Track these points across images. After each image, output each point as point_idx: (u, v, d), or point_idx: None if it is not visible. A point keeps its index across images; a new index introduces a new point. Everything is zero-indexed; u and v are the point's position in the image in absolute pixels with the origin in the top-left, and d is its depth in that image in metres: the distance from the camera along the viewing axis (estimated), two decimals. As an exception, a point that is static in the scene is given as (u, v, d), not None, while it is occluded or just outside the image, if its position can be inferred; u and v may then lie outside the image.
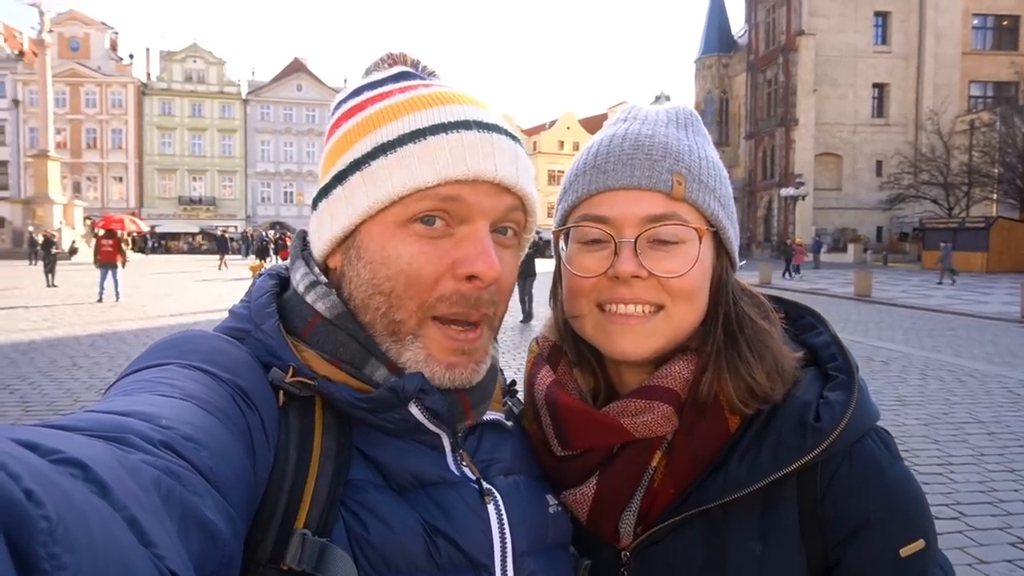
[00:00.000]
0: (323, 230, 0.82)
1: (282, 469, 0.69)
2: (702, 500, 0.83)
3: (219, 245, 39.67)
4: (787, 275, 31.74)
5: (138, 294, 20.49)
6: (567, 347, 0.98)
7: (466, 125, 0.77)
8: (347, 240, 0.80)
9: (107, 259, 18.47)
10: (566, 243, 0.94)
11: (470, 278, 0.75)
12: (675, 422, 0.86)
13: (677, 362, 0.88)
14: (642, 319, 0.86)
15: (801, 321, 0.97)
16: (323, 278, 0.81)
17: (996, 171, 37.72)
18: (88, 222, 44.55)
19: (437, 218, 0.76)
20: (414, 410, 0.75)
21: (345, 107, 0.84)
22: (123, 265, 19.16)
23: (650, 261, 0.85)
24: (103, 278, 18.39)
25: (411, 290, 0.75)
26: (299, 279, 0.82)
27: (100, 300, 18.00)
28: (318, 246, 0.83)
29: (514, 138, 0.82)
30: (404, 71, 0.85)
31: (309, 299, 0.80)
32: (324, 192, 0.82)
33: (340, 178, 0.79)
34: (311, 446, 0.72)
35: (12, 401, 7.73)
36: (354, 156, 0.78)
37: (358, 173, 0.77)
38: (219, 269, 34.72)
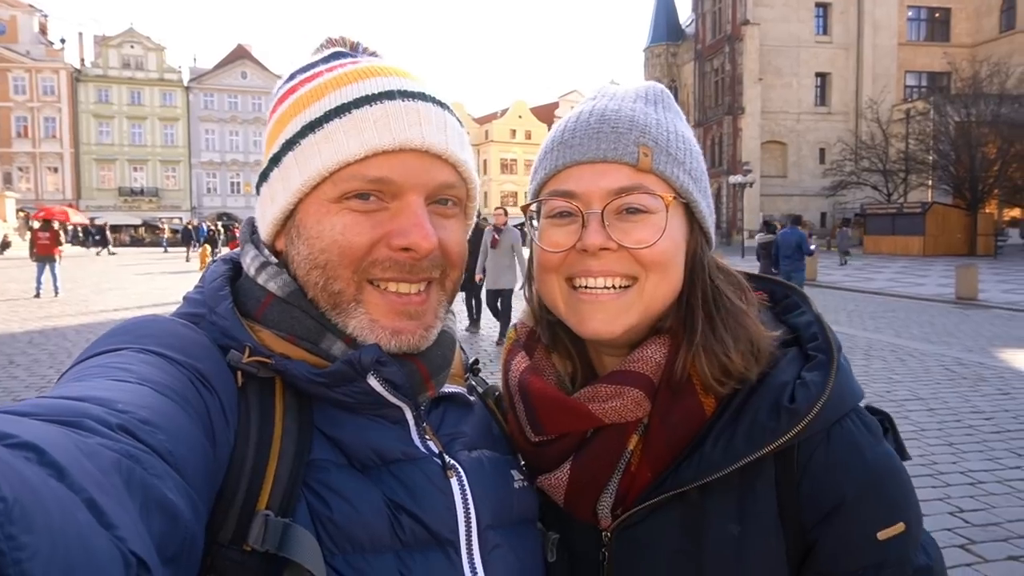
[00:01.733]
0: (266, 213, 0.83)
1: (243, 451, 0.69)
2: (678, 482, 0.83)
3: (184, 236, 38.43)
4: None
5: (79, 288, 19.70)
6: (541, 331, 0.98)
7: (390, 95, 0.78)
8: (288, 221, 0.81)
9: (44, 252, 17.66)
10: (537, 221, 0.94)
11: (405, 249, 0.76)
12: (646, 407, 0.86)
13: (650, 345, 0.88)
14: (613, 296, 0.85)
15: (786, 301, 0.97)
16: (273, 259, 0.82)
17: (931, 158, 39.17)
18: (22, 214, 42.62)
19: (371, 195, 0.77)
20: (373, 382, 0.75)
21: (281, 92, 0.85)
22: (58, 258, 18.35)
23: (618, 233, 0.84)
24: (40, 272, 17.61)
25: (344, 259, 0.76)
26: (249, 262, 0.82)
27: (38, 295, 17.25)
28: (263, 229, 0.84)
29: (443, 105, 0.82)
30: (337, 52, 0.86)
31: (261, 280, 0.80)
32: (264, 176, 0.83)
33: (276, 160, 0.80)
34: (272, 428, 0.71)
35: (-55, 403, 7.38)
36: (286, 137, 0.79)
37: (291, 153, 0.78)
38: (187, 260, 33.84)
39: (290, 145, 0.79)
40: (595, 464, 0.88)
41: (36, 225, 19.36)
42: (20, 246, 36.67)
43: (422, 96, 0.80)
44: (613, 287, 0.86)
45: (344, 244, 0.76)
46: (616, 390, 0.85)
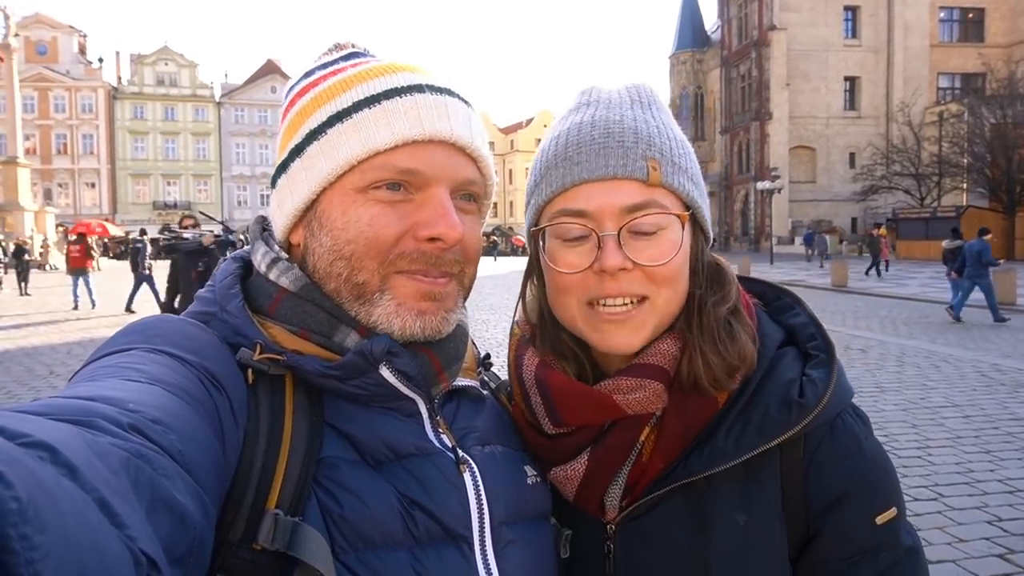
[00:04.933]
0: (284, 204, 0.82)
1: (252, 450, 0.68)
2: (688, 472, 0.85)
3: (221, 247, 38.18)
4: (875, 272, 26.43)
5: (115, 300, 20.17)
6: (541, 339, 0.96)
7: (419, 88, 0.79)
8: (309, 212, 0.80)
9: (77, 265, 18.12)
10: (543, 240, 0.91)
11: (432, 240, 0.76)
12: (665, 399, 0.87)
13: (664, 340, 0.89)
14: (631, 312, 0.86)
15: (778, 302, 1.00)
16: (284, 255, 0.82)
17: (965, 161, 38.35)
18: (61, 229, 43.79)
19: (398, 185, 0.77)
20: (385, 373, 0.75)
21: (298, 88, 0.85)
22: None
23: (634, 251, 0.84)
24: (76, 285, 18.04)
25: (371, 251, 0.76)
26: (260, 258, 0.82)
27: (76, 307, 17.70)
28: (280, 222, 0.83)
29: (467, 103, 0.83)
30: (354, 51, 0.87)
31: (272, 276, 0.80)
32: (283, 168, 0.83)
33: (298, 150, 0.80)
34: (282, 426, 0.71)
35: (-11, 411, 7.62)
36: (310, 127, 0.79)
37: (315, 143, 0.78)
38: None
39: (315, 135, 0.78)
40: (611, 455, 0.89)
41: (71, 239, 19.87)
42: (59, 259, 37.68)
43: (448, 91, 0.81)
44: (631, 303, 0.86)
45: (371, 235, 0.76)
46: (638, 383, 0.86)
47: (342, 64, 0.83)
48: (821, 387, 0.84)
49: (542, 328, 0.97)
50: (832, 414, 0.85)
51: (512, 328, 1.04)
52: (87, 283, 18.01)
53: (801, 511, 0.85)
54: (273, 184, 0.86)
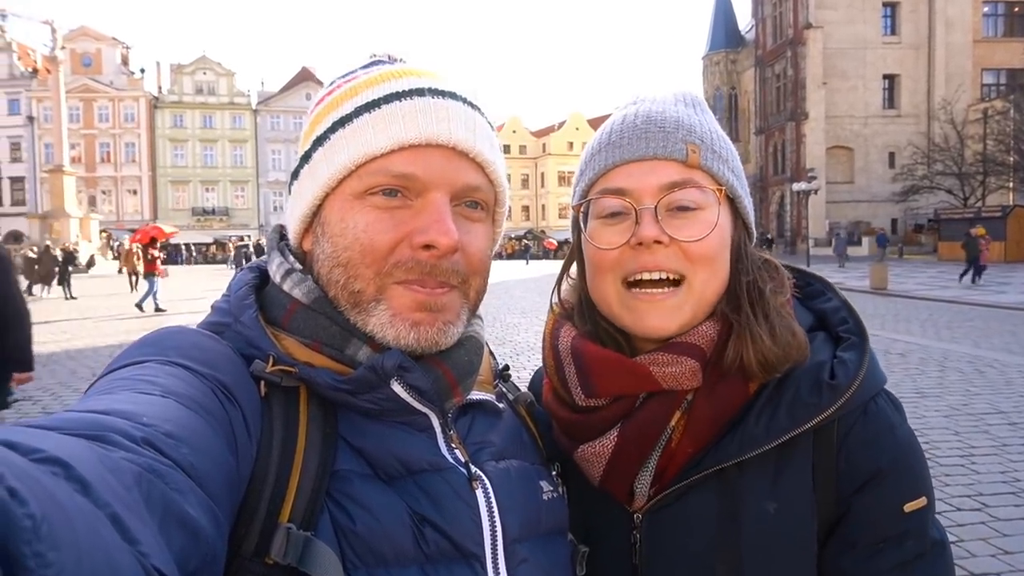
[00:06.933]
0: (295, 211, 0.83)
1: (265, 463, 0.68)
2: (719, 459, 0.84)
3: (258, 253, 39.22)
4: (971, 279, 22.89)
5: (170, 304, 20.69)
6: (581, 323, 0.97)
7: (420, 92, 0.78)
8: (315, 219, 0.81)
9: (150, 270, 19.16)
10: (585, 223, 0.95)
11: (427, 247, 0.75)
12: (699, 379, 0.87)
13: (705, 323, 0.89)
14: (667, 295, 0.87)
15: (809, 288, 1.00)
16: (297, 265, 0.81)
17: (1011, 159, 37.27)
18: (104, 235, 45.04)
19: (395, 191, 0.76)
20: (397, 388, 0.74)
21: (319, 96, 0.86)
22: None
23: (671, 228, 0.86)
24: (151, 288, 18.72)
25: (366, 258, 0.75)
26: (275, 269, 0.82)
27: (158, 310, 18.25)
28: (292, 227, 0.84)
29: (474, 107, 0.82)
30: (377, 60, 0.87)
31: (286, 287, 0.80)
32: (295, 174, 0.84)
33: (306, 157, 0.81)
34: (295, 438, 0.71)
35: (34, 412, 7.84)
36: (317, 134, 0.80)
37: (320, 149, 0.79)
38: None
39: (320, 141, 0.79)
40: (641, 431, 0.89)
41: (136, 247, 20.92)
42: (103, 264, 38.78)
43: (452, 95, 0.79)
44: (667, 279, 0.87)
45: (366, 242, 0.75)
46: (674, 358, 0.87)
47: (359, 72, 0.83)
48: (853, 369, 0.83)
49: (580, 313, 0.99)
50: (865, 397, 0.84)
51: (551, 307, 1.06)
52: (152, 287, 18.75)
53: (832, 496, 0.84)
54: (290, 191, 0.86)
